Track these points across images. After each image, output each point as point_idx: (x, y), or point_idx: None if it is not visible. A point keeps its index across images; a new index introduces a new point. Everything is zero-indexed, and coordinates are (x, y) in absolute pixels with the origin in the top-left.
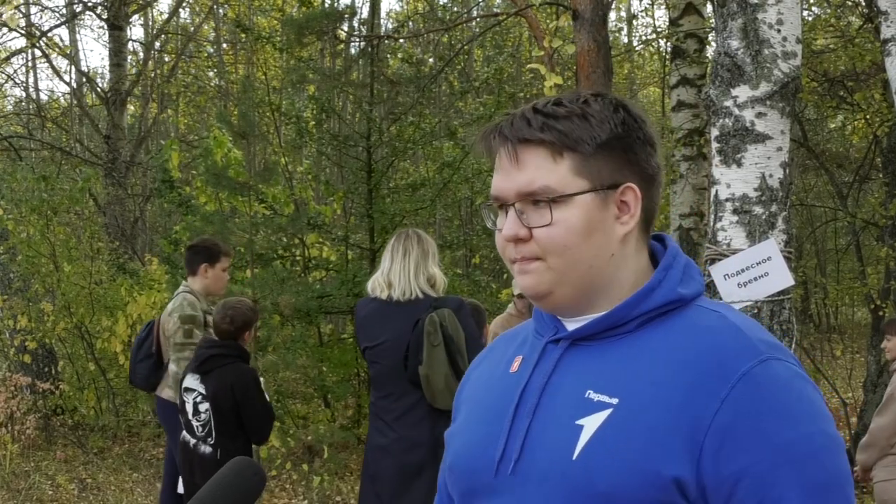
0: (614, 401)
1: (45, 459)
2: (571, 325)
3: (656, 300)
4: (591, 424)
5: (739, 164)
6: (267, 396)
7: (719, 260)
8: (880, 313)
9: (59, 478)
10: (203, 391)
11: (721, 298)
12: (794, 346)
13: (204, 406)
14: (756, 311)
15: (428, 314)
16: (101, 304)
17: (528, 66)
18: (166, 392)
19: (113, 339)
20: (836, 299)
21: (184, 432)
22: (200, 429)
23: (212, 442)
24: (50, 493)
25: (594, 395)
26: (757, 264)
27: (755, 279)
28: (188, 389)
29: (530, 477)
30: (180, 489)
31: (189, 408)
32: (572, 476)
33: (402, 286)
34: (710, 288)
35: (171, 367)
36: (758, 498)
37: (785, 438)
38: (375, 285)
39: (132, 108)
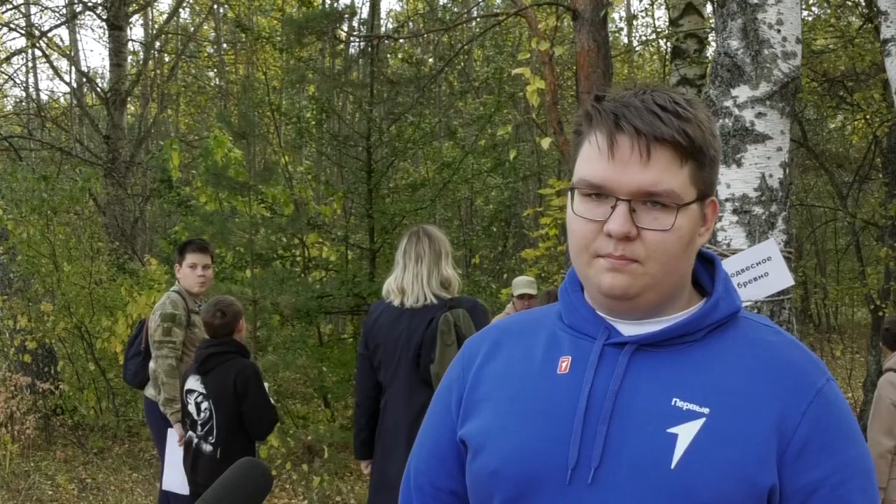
0: (706, 410)
1: (45, 459)
2: (626, 328)
3: (723, 311)
4: (686, 433)
5: (739, 165)
6: (272, 399)
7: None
8: (880, 313)
9: (59, 478)
10: (203, 391)
11: None
12: None
13: (205, 405)
14: (756, 311)
15: (442, 313)
16: (101, 304)
17: (514, 71)
18: (149, 391)
19: (113, 339)
20: (836, 299)
21: (189, 431)
22: (201, 427)
23: (213, 441)
24: (50, 493)
25: (682, 404)
26: (757, 264)
27: (755, 279)
28: (190, 391)
29: (617, 486)
30: (166, 486)
31: (192, 408)
32: (672, 485)
33: (415, 294)
34: None
35: (150, 364)
36: None
37: (852, 454)
38: (389, 290)
39: (132, 108)
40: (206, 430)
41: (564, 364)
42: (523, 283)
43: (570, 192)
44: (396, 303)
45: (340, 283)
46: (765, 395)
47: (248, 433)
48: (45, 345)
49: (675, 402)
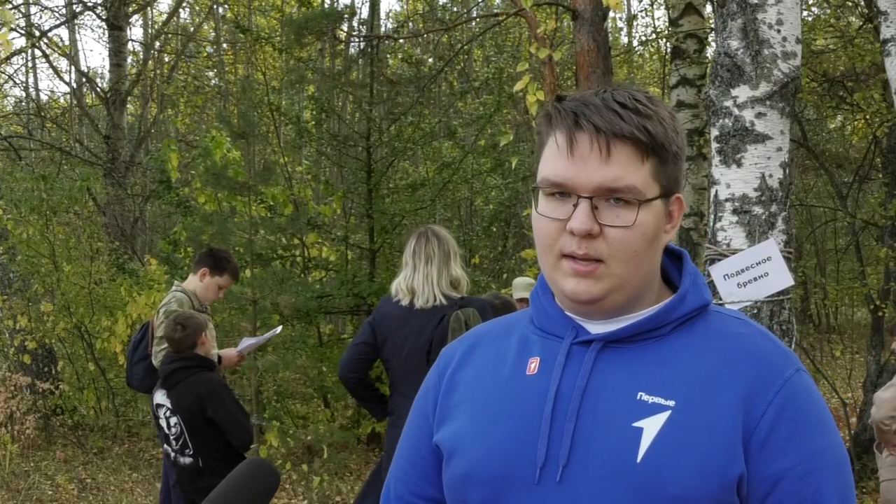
0: (671, 402)
1: (45, 459)
2: (594, 327)
3: (690, 305)
4: (651, 426)
5: (739, 165)
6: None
7: (719, 260)
8: (880, 313)
9: (59, 478)
10: (170, 406)
11: (721, 298)
12: (794, 346)
13: (174, 420)
14: (756, 311)
15: (453, 312)
16: (101, 304)
17: (515, 87)
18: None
19: (113, 339)
20: (835, 299)
21: (164, 445)
22: (175, 441)
23: (190, 453)
24: (50, 493)
25: (648, 398)
26: (757, 264)
27: (755, 279)
28: (158, 405)
29: (585, 483)
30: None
31: (163, 423)
32: (638, 479)
33: (425, 295)
34: (710, 288)
35: (151, 359)
36: (796, 499)
37: (820, 444)
38: (398, 290)
39: (132, 108)
40: (180, 443)
41: (533, 365)
42: (522, 286)
43: (533, 193)
44: (405, 303)
45: (340, 283)
46: (731, 385)
47: (224, 441)
48: (45, 345)
49: (641, 396)
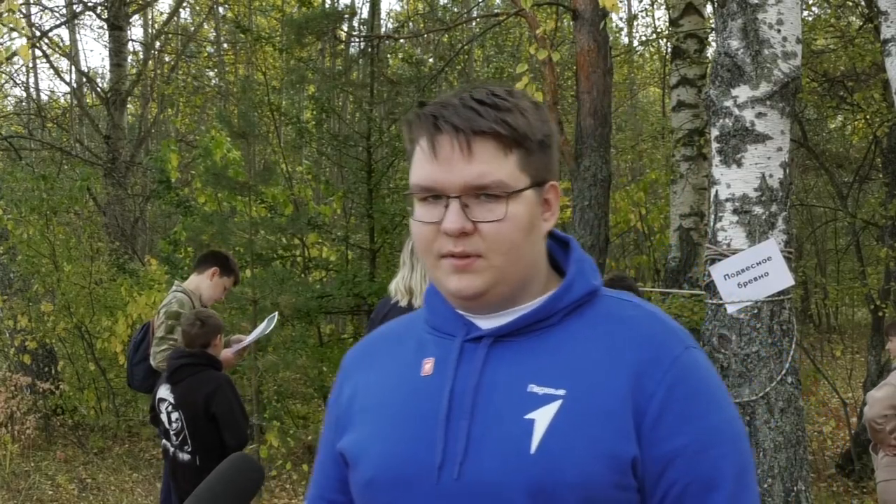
0: (561, 392)
1: (45, 459)
2: (484, 322)
3: (578, 292)
4: (542, 417)
5: (739, 164)
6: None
7: (719, 260)
8: (880, 313)
9: (59, 478)
10: (173, 401)
11: (721, 298)
12: (793, 346)
13: (175, 415)
14: (756, 310)
15: None
16: (101, 304)
17: (517, 86)
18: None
19: (113, 339)
20: (836, 299)
21: (164, 440)
22: (175, 437)
23: (189, 449)
24: (50, 493)
25: (538, 389)
26: (757, 264)
27: (755, 279)
28: (161, 400)
29: (482, 478)
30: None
31: (164, 417)
32: (534, 470)
33: (423, 296)
34: (711, 288)
35: (150, 360)
36: (690, 477)
37: (714, 421)
38: (396, 290)
39: (132, 108)
40: (180, 439)
41: (427, 365)
42: None
43: (407, 200)
44: (404, 303)
45: (340, 283)
46: (621, 368)
47: (221, 439)
48: (45, 345)
49: (532, 387)
